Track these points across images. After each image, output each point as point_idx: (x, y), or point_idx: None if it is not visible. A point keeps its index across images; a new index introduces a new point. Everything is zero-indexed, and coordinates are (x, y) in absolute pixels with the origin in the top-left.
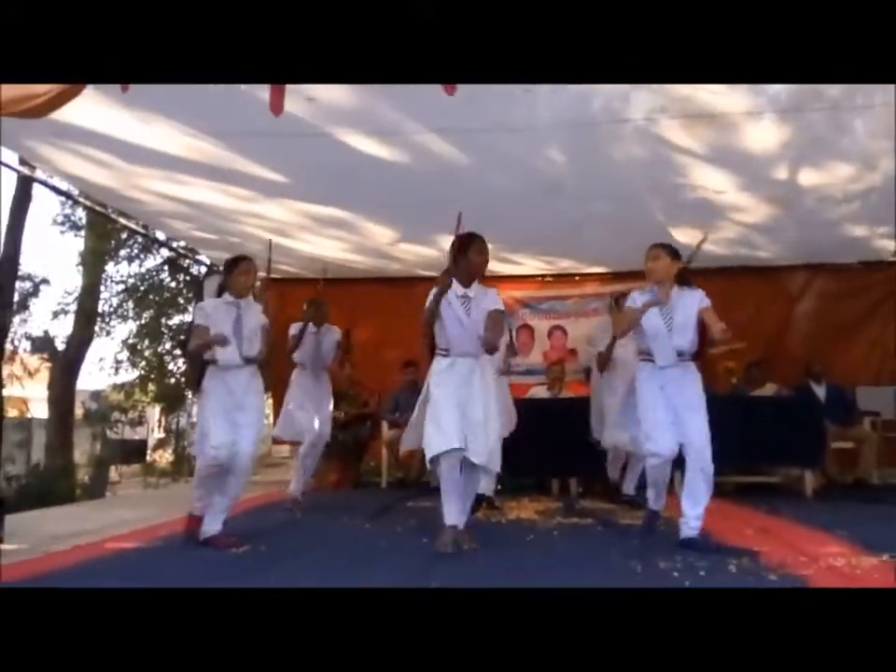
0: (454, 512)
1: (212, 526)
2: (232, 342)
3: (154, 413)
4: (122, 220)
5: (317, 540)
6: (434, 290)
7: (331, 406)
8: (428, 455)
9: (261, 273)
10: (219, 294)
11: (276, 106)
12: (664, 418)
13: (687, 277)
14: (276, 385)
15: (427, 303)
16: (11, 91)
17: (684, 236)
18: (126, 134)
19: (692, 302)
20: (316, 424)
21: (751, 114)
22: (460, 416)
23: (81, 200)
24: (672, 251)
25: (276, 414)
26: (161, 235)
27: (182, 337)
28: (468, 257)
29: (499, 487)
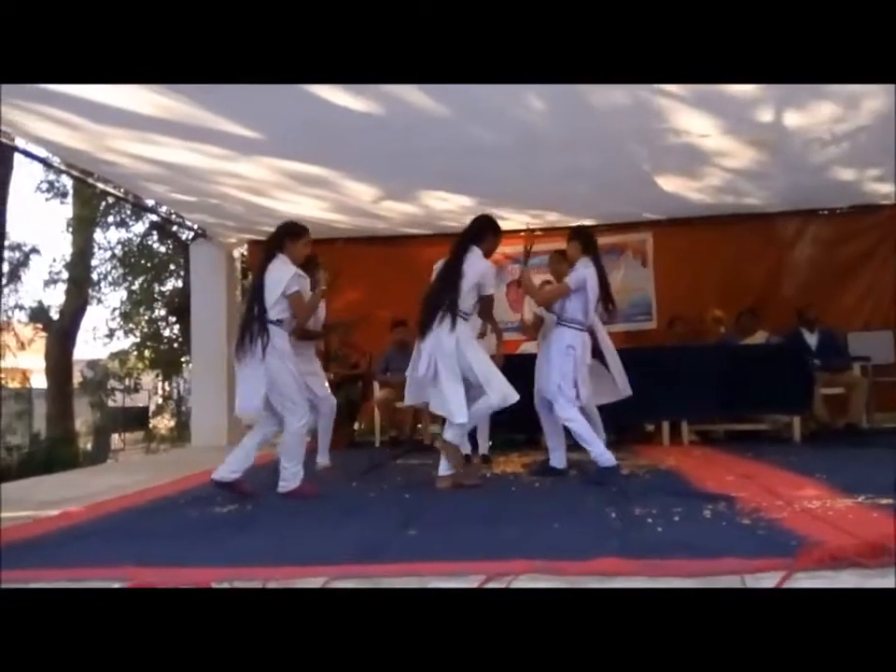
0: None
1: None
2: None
3: (152, 380)
4: (101, 185)
5: (301, 499)
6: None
7: None
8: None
9: (245, 236)
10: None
11: None
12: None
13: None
14: None
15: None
16: None
17: (670, 185)
18: (88, 93)
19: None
20: None
21: None
22: None
23: (56, 165)
24: (574, 237)
25: None
26: (143, 200)
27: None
28: (498, 240)
29: (491, 443)
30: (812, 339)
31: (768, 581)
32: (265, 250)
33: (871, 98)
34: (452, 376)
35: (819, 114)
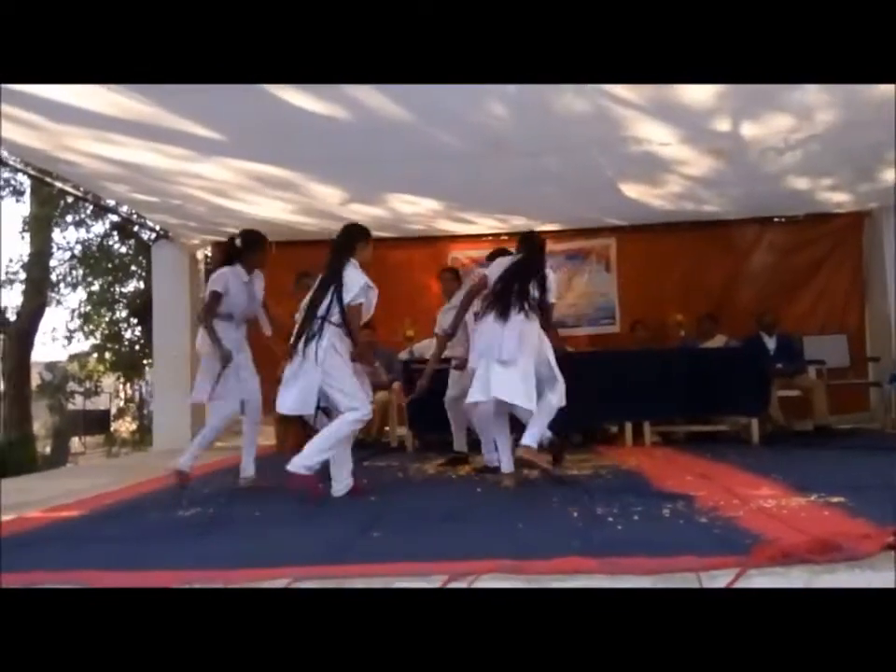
0: None
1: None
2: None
3: (113, 382)
4: (59, 184)
5: (266, 501)
6: None
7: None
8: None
9: (209, 237)
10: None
11: None
12: None
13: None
14: None
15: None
16: None
17: (632, 191)
18: (46, 92)
19: None
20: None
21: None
22: None
23: (12, 163)
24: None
25: None
26: (103, 200)
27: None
28: None
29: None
30: (771, 343)
31: (723, 577)
32: (334, 253)
33: (823, 110)
34: (529, 363)
35: (774, 124)
